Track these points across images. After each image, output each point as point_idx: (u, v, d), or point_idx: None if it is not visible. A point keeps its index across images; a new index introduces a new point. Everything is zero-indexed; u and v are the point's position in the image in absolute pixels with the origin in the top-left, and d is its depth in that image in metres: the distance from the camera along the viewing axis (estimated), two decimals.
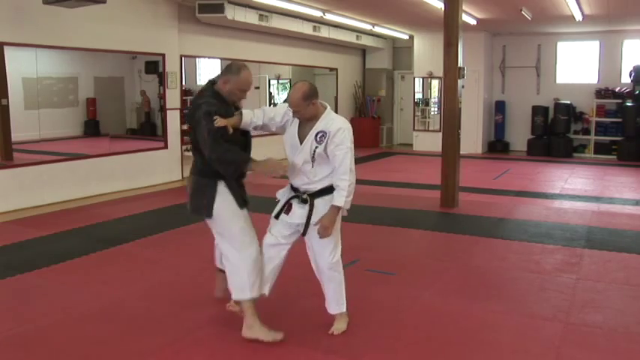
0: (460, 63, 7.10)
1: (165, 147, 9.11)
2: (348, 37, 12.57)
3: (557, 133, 12.94)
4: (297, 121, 3.38)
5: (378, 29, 12.50)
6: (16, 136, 7.31)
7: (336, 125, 3.29)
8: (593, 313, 3.88)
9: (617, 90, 12.59)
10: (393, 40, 14.51)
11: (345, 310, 3.56)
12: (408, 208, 7.32)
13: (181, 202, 7.55)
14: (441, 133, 7.52)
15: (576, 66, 13.28)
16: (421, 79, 14.10)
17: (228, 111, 3.37)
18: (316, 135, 3.29)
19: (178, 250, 5.40)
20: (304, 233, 3.41)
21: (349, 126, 3.35)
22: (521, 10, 9.74)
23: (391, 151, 13.96)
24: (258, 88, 12.38)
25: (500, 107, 13.82)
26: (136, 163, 8.59)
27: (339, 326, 3.54)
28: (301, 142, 3.35)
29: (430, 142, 13.23)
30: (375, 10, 10.39)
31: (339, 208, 3.29)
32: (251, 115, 3.43)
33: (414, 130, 14.22)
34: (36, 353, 3.31)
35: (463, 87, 7.55)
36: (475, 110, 13.06)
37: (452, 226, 6.37)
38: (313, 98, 3.28)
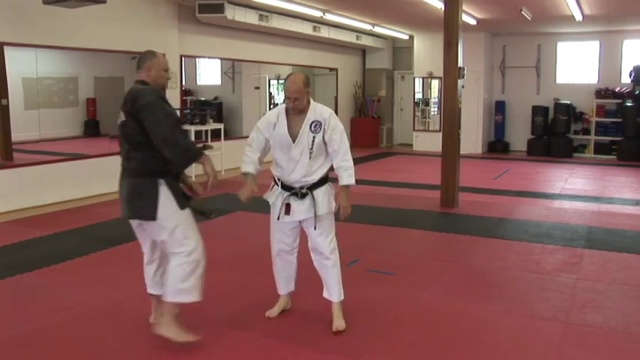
0: (460, 63, 7.10)
1: None
2: (348, 37, 12.57)
3: (557, 133, 12.95)
4: (282, 122, 3.46)
5: (378, 29, 12.50)
6: (16, 136, 7.30)
7: (326, 112, 3.49)
8: (593, 313, 3.88)
9: (617, 90, 12.59)
10: (393, 40, 14.51)
11: (343, 297, 3.63)
12: (408, 208, 7.32)
13: None
14: (440, 133, 7.52)
15: (576, 66, 13.28)
16: (421, 79, 14.10)
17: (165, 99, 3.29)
18: (311, 125, 3.42)
19: None
20: (315, 227, 3.49)
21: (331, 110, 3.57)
22: (521, 10, 9.74)
23: (391, 151, 13.96)
24: (258, 88, 12.38)
25: (500, 107, 13.83)
26: None
27: (341, 323, 3.55)
28: (294, 138, 3.42)
29: (430, 142, 13.24)
30: (375, 10, 10.39)
31: (349, 188, 3.48)
32: (254, 163, 3.54)
33: (414, 130, 14.22)
34: (36, 353, 3.31)
35: (463, 87, 7.55)
36: (475, 110, 13.06)
37: (452, 226, 6.37)
38: (309, 87, 3.45)
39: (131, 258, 5.16)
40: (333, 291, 3.60)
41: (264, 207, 3.68)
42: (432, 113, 14.03)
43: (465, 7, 8.55)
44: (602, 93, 12.71)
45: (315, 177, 3.46)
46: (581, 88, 13.02)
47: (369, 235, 5.98)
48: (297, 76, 3.42)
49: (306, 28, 11.04)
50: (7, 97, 7.06)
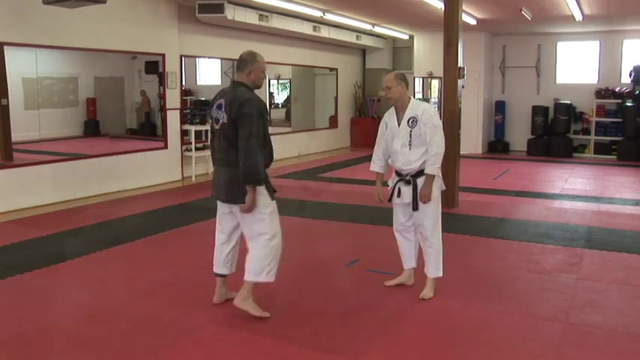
0: (460, 63, 7.10)
1: (166, 147, 9.12)
2: (348, 37, 12.57)
3: (557, 133, 12.94)
4: (393, 118, 4.07)
5: (378, 29, 12.50)
6: (16, 136, 7.31)
7: (422, 108, 4.01)
8: (593, 313, 3.87)
9: (617, 90, 12.59)
10: (393, 40, 14.51)
11: (441, 274, 4.13)
12: None
13: (181, 202, 7.59)
14: None
15: (576, 66, 13.28)
16: (421, 79, 14.09)
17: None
18: (409, 120, 3.98)
19: (178, 250, 5.40)
20: (415, 208, 4.00)
21: (433, 107, 4.19)
22: (521, 10, 9.74)
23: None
24: (258, 88, 12.36)
25: (500, 107, 13.82)
26: (136, 163, 8.59)
27: (428, 292, 4.07)
28: (396, 132, 4.02)
29: None
30: (375, 10, 10.39)
31: (432, 177, 3.95)
32: (380, 160, 4.25)
33: None
34: (36, 353, 3.31)
35: (463, 87, 7.55)
36: (475, 110, 13.06)
37: (452, 226, 6.35)
38: (403, 82, 4.01)
39: (131, 258, 5.17)
40: (429, 268, 4.13)
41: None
42: None
43: (465, 7, 8.55)
44: (602, 93, 12.71)
45: (415, 166, 3.99)
46: (581, 88, 13.02)
47: (369, 235, 5.98)
48: (392, 72, 4.18)
49: (306, 28, 11.04)
50: (7, 97, 7.07)
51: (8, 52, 6.93)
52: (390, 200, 4.16)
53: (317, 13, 10.15)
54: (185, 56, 9.48)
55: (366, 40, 13.31)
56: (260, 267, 3.66)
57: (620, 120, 12.39)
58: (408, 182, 4.04)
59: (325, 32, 11.62)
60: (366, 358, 3.26)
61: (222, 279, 3.98)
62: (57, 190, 7.40)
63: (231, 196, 3.67)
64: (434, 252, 4.09)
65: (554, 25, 12.04)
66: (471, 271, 4.80)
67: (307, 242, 5.54)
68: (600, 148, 12.82)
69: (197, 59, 11.25)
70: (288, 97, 13.89)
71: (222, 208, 3.84)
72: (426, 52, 13.64)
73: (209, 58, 10.90)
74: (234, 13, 9.10)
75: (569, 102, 12.94)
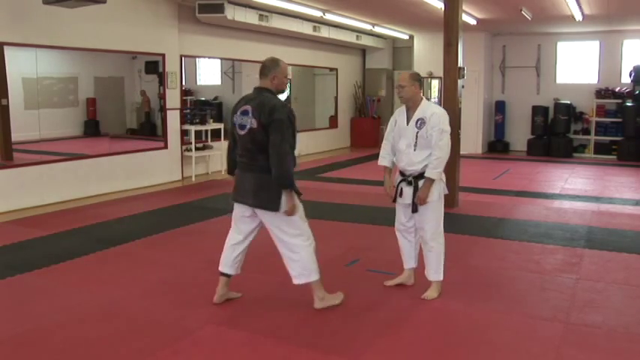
0: (460, 63, 7.10)
1: (166, 147, 9.12)
2: (348, 37, 12.57)
3: (557, 133, 12.94)
4: (402, 117, 4.06)
5: (378, 29, 12.50)
6: (16, 136, 7.31)
7: (431, 110, 3.97)
8: (593, 313, 3.87)
9: (617, 90, 12.59)
10: (393, 40, 14.51)
11: (441, 278, 4.10)
12: None
13: (181, 202, 7.59)
14: None
15: (576, 66, 13.28)
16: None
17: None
18: (417, 122, 3.96)
19: (178, 250, 5.40)
20: (414, 210, 3.99)
21: (443, 111, 4.04)
22: (521, 10, 9.74)
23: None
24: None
25: (500, 107, 13.82)
26: (136, 163, 8.59)
27: (431, 293, 4.08)
28: (403, 132, 4.01)
29: None
30: (375, 10, 10.39)
31: (431, 181, 3.91)
32: (389, 156, 4.16)
33: None
34: (36, 353, 3.31)
35: (463, 87, 7.54)
36: (475, 110, 13.06)
37: (452, 226, 6.33)
38: (417, 82, 4.01)
39: (131, 258, 5.17)
40: (429, 271, 4.11)
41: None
42: None
43: (465, 7, 8.55)
44: (602, 93, 12.71)
45: (418, 167, 3.96)
46: (581, 88, 13.02)
47: (369, 235, 5.97)
48: (408, 71, 4.13)
49: (306, 28, 11.04)
50: (7, 97, 7.07)
51: (8, 52, 6.93)
52: (394, 200, 4.17)
53: (317, 13, 10.15)
54: (185, 56, 9.48)
55: (366, 40, 13.31)
56: (307, 269, 3.76)
57: (620, 120, 12.39)
58: (409, 183, 4.02)
59: (325, 32, 11.62)
60: (367, 358, 3.26)
61: (225, 279, 3.99)
62: (57, 190, 7.40)
63: (259, 200, 3.71)
64: (434, 256, 4.07)
65: (554, 25, 12.04)
66: (471, 271, 4.80)
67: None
68: (600, 148, 12.82)
69: (197, 59, 11.26)
70: (288, 97, 13.89)
71: (242, 211, 3.88)
72: (426, 52, 13.64)
73: (209, 58, 10.90)
74: (234, 13, 9.10)
75: (569, 102, 12.94)
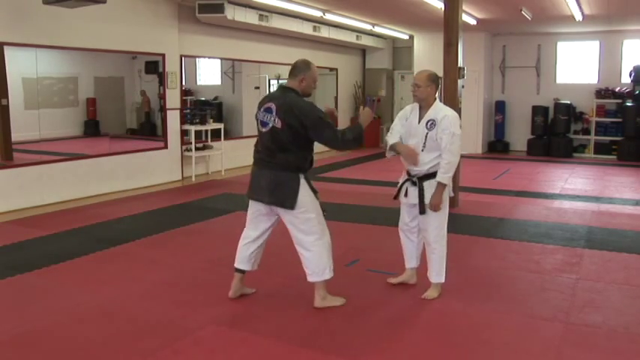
0: (460, 63, 7.09)
1: (166, 147, 9.12)
2: (348, 37, 12.57)
3: (557, 133, 12.94)
4: (415, 115, 4.00)
5: (378, 29, 12.50)
6: (16, 136, 7.31)
7: (443, 113, 3.91)
8: (593, 313, 3.87)
9: (617, 90, 12.59)
10: (393, 40, 14.51)
11: (443, 281, 4.08)
12: None
13: (181, 202, 7.59)
14: None
15: (576, 66, 13.28)
16: None
17: None
18: (427, 122, 3.91)
19: (178, 250, 5.40)
20: (421, 211, 3.95)
21: (455, 114, 3.99)
22: (521, 10, 9.74)
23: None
24: (258, 88, 12.38)
25: (500, 107, 13.82)
26: (136, 163, 8.59)
27: (431, 293, 4.07)
28: (414, 131, 3.97)
29: None
30: (375, 10, 10.39)
31: (443, 186, 3.86)
32: (396, 138, 4.08)
33: None
34: (36, 353, 3.31)
35: (463, 87, 7.54)
36: (475, 110, 13.06)
37: (452, 226, 6.30)
38: (434, 84, 3.94)
39: (131, 258, 5.17)
40: (431, 273, 4.09)
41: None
42: None
43: (465, 7, 8.55)
44: (602, 93, 12.71)
45: (423, 168, 3.93)
46: (581, 88, 13.02)
47: (369, 235, 5.97)
48: (425, 70, 4.05)
49: (306, 28, 11.04)
50: (7, 97, 7.07)
51: (8, 52, 6.93)
52: (395, 198, 4.16)
53: (317, 13, 10.15)
54: (185, 56, 9.48)
55: (366, 40, 13.31)
56: (321, 267, 3.78)
57: (620, 120, 12.39)
58: (414, 183, 4.00)
59: (325, 32, 11.62)
60: (367, 358, 3.26)
61: (240, 275, 4.01)
62: (57, 190, 7.40)
63: (275, 198, 3.72)
64: (436, 258, 4.06)
65: (554, 25, 12.04)
66: (471, 271, 4.80)
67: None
68: (600, 148, 12.82)
69: (197, 59, 11.25)
70: None
71: (258, 209, 3.88)
72: (426, 52, 13.63)
73: (209, 58, 10.90)
74: (234, 13, 9.10)
75: (569, 102, 12.94)
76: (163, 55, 8.94)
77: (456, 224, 6.37)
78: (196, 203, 7.56)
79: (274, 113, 3.68)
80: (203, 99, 11.94)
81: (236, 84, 12.47)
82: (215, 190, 8.46)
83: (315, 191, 3.80)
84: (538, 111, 13.07)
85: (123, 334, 3.54)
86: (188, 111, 9.86)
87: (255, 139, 3.92)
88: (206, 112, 9.91)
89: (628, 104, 12.15)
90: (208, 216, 6.75)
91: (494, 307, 3.98)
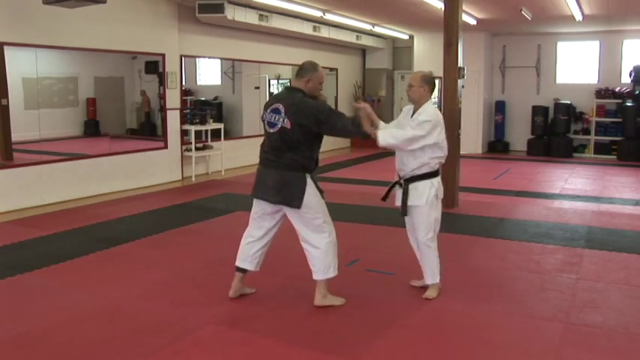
0: (460, 63, 7.09)
1: (166, 147, 9.12)
2: (348, 37, 12.57)
3: (557, 133, 12.94)
4: (409, 115, 4.01)
5: (378, 29, 12.50)
6: (16, 136, 7.31)
7: (425, 113, 3.87)
8: (593, 313, 3.87)
9: (617, 90, 12.59)
10: (393, 40, 14.51)
11: (438, 281, 4.09)
12: None
13: (181, 202, 7.59)
14: None
15: (576, 66, 13.28)
16: None
17: None
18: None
19: (178, 250, 5.40)
20: (402, 213, 4.00)
21: (435, 112, 3.93)
22: (521, 10, 9.74)
23: (391, 151, 13.90)
24: (258, 88, 12.39)
25: (500, 107, 13.82)
26: (136, 163, 8.59)
27: (431, 293, 4.08)
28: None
29: None
30: (375, 10, 10.38)
31: (375, 135, 3.78)
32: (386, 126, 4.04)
33: None
34: (36, 353, 3.31)
35: (463, 87, 7.54)
36: (475, 110, 13.06)
37: (452, 226, 6.35)
38: (427, 85, 3.95)
39: (131, 258, 5.17)
40: (426, 275, 4.11)
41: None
42: None
43: (465, 7, 8.54)
44: (602, 93, 12.71)
45: (407, 169, 3.96)
46: (581, 88, 13.02)
47: (369, 235, 5.98)
48: (421, 71, 4.12)
49: (306, 28, 11.04)
50: (7, 97, 7.07)
51: (8, 52, 6.93)
52: (383, 199, 4.22)
53: (317, 13, 10.15)
54: (185, 56, 9.48)
55: (366, 40, 13.31)
56: (326, 265, 3.81)
57: (620, 120, 12.39)
58: (400, 185, 4.04)
59: (325, 32, 11.62)
60: (367, 358, 3.26)
61: (241, 275, 4.02)
62: (57, 190, 7.40)
63: (282, 197, 3.74)
64: (427, 261, 4.07)
65: (554, 25, 12.04)
66: (471, 272, 4.80)
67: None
68: (600, 148, 12.82)
69: (197, 59, 11.25)
70: None
71: (263, 208, 3.89)
72: (426, 52, 13.63)
73: (209, 58, 10.90)
74: (234, 13, 9.10)
75: (569, 102, 12.94)
76: (163, 55, 8.94)
77: (456, 224, 6.37)
78: (196, 203, 7.56)
79: (283, 113, 3.70)
80: (203, 99, 11.95)
81: (236, 84, 12.47)
82: (215, 190, 8.46)
83: (321, 191, 3.82)
84: (538, 111, 13.07)
85: (123, 334, 3.54)
86: (188, 111, 9.86)
87: (255, 139, 3.95)
88: (206, 112, 9.91)
89: (628, 104, 12.15)
90: (208, 216, 6.75)
91: (494, 307, 3.98)
